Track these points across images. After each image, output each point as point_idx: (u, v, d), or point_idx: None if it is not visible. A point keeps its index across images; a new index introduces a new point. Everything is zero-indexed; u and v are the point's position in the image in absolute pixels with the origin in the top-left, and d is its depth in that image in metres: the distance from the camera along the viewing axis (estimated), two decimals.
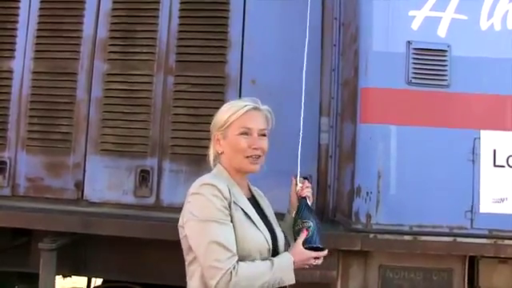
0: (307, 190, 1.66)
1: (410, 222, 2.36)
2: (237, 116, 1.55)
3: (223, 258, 1.41)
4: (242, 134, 1.55)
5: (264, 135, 1.58)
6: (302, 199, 1.64)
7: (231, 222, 1.47)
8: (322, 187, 2.78)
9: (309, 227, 1.57)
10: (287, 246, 1.64)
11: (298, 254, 1.53)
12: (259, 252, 1.48)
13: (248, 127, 1.56)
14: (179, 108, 2.87)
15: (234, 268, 1.41)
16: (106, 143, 2.91)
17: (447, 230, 2.35)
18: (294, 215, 1.65)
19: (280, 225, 1.69)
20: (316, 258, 1.55)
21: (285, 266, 1.50)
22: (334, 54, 2.80)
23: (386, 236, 2.35)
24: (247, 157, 1.56)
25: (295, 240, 1.59)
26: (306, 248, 1.54)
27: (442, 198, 2.36)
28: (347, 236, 2.39)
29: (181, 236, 1.55)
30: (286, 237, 1.65)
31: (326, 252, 1.57)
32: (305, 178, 1.76)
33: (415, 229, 2.36)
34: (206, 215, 1.45)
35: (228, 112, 1.57)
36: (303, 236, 1.56)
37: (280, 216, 1.80)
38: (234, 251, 1.42)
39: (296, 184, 1.69)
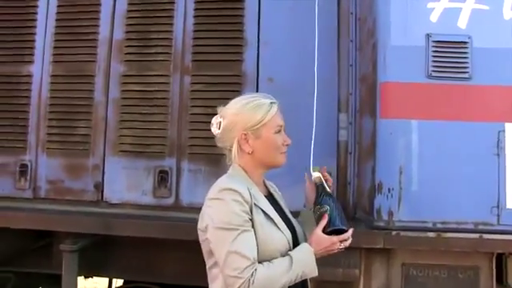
0: (324, 175, 1.64)
1: (433, 219, 2.34)
2: (271, 115, 1.54)
3: (242, 266, 1.40)
4: (277, 132, 1.56)
5: (284, 129, 1.61)
6: (318, 186, 1.62)
7: (252, 226, 1.45)
8: (341, 184, 2.77)
9: (325, 211, 1.53)
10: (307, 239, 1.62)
11: (316, 242, 1.50)
12: (280, 253, 1.48)
13: (281, 125, 1.58)
14: (196, 108, 2.89)
15: (252, 275, 1.40)
16: (124, 144, 2.94)
17: (472, 227, 2.32)
18: (313, 208, 1.63)
19: (298, 222, 1.69)
20: (341, 241, 1.50)
21: (304, 258, 1.48)
22: (351, 49, 2.79)
23: (409, 233, 2.32)
24: (281, 153, 1.57)
25: None
26: (328, 233, 1.49)
27: (466, 194, 2.32)
28: (369, 234, 2.37)
29: (201, 239, 1.54)
30: (304, 234, 1.64)
31: (349, 233, 1.52)
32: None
33: (439, 225, 2.33)
34: (226, 222, 1.43)
35: (259, 111, 1.55)
36: (322, 222, 1.52)
37: (296, 214, 1.79)
38: (255, 257, 1.42)
39: (316, 172, 1.65)
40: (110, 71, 2.97)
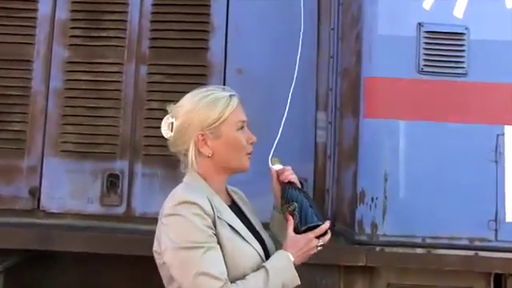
0: (288, 174, 1.55)
1: (422, 233, 2.29)
2: (231, 109, 1.47)
3: None
4: (240, 129, 1.48)
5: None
6: (284, 185, 1.53)
7: (218, 242, 1.38)
8: (318, 192, 2.70)
9: (293, 210, 1.47)
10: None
11: (291, 245, 1.44)
12: (252, 269, 1.41)
13: (244, 120, 1.49)
14: (153, 102, 2.76)
15: None
16: (67, 143, 2.79)
17: (467, 243, 2.27)
18: (281, 208, 1.54)
19: (269, 227, 1.65)
20: (318, 237, 1.44)
21: (282, 267, 1.42)
22: (333, 38, 2.72)
23: (395, 249, 2.28)
24: (247, 154, 1.51)
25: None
26: (302, 232, 1.43)
27: (460, 205, 2.27)
28: (349, 249, 2.33)
29: (158, 262, 1.46)
30: (275, 244, 1.54)
31: (326, 225, 1.45)
32: (300, 183, 1.60)
33: (429, 240, 2.29)
34: (187, 241, 1.36)
35: (217, 106, 1.47)
36: (290, 223, 1.45)
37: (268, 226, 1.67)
38: (225, 277, 1.35)
39: (274, 164, 1.57)
40: (51, 56, 2.82)
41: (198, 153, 1.48)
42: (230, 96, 1.48)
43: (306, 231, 1.43)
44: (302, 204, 1.48)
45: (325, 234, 1.45)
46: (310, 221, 1.45)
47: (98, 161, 2.75)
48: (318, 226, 1.44)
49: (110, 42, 2.80)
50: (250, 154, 1.51)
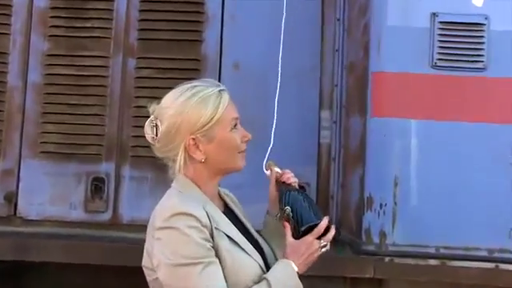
0: (288, 176, 1.55)
1: (436, 243, 2.25)
2: (223, 107, 1.42)
3: None
4: (233, 128, 1.45)
5: None
6: (282, 188, 1.54)
7: (216, 255, 1.36)
8: (322, 198, 2.68)
9: (289, 213, 1.45)
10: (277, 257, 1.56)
11: (292, 252, 1.42)
12: (253, 281, 1.39)
13: (236, 117, 1.46)
14: (142, 99, 2.68)
15: None
16: (48, 143, 2.74)
17: (486, 254, 2.23)
18: (278, 214, 1.53)
19: (262, 233, 1.62)
20: (319, 238, 1.42)
21: (284, 277, 1.41)
22: (338, 30, 2.69)
23: (406, 260, 2.25)
24: (240, 152, 1.47)
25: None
26: (301, 236, 1.42)
27: (478, 212, 2.23)
28: (356, 260, 2.31)
29: (149, 279, 1.44)
30: (272, 249, 1.56)
31: (324, 222, 1.41)
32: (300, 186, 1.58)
33: (443, 251, 2.24)
34: (184, 256, 1.33)
35: (208, 105, 1.42)
36: (288, 229, 1.43)
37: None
38: None
39: (269, 169, 1.58)
40: (28, 48, 2.76)
41: (189, 158, 1.45)
42: (220, 92, 1.44)
43: (305, 234, 1.41)
44: (297, 204, 1.46)
45: (326, 232, 1.41)
46: (306, 221, 1.42)
47: (82, 163, 2.72)
48: (318, 224, 1.42)
49: (95, 32, 2.75)
50: (244, 151, 1.48)
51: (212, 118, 1.42)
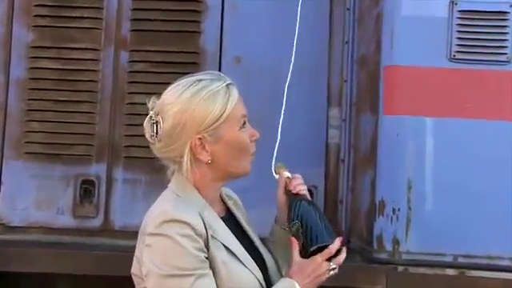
0: (297, 183, 1.54)
1: (453, 251, 2.24)
2: (232, 104, 1.40)
3: None
4: (242, 126, 1.43)
5: None
6: (291, 197, 1.52)
7: (210, 266, 1.35)
8: (330, 202, 2.68)
9: (298, 228, 1.44)
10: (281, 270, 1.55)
11: (297, 272, 1.40)
12: None
13: (245, 114, 1.44)
14: (136, 95, 2.68)
15: None
16: (33, 143, 2.72)
17: (509, 263, 2.21)
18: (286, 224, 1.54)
19: (268, 242, 1.62)
20: (329, 259, 1.40)
21: None
22: (348, 21, 2.69)
23: (421, 269, 2.24)
24: (251, 154, 1.46)
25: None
26: (310, 255, 1.40)
27: (500, 217, 2.21)
28: (367, 269, 2.31)
29: (138, 287, 1.43)
30: (276, 261, 1.54)
31: (336, 244, 1.40)
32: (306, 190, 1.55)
33: (462, 260, 2.23)
34: (175, 267, 1.32)
35: (216, 101, 1.40)
36: (295, 246, 1.42)
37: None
38: None
39: (279, 173, 1.56)
40: (11, 39, 2.74)
41: (194, 159, 1.43)
42: (228, 86, 1.41)
43: (314, 253, 1.40)
44: (308, 219, 1.45)
45: (337, 254, 1.40)
46: (316, 240, 1.41)
47: (70, 164, 2.70)
48: (325, 246, 1.40)
49: (83, 22, 2.73)
50: (253, 154, 1.46)
51: (221, 116, 1.39)
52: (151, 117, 1.44)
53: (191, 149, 1.42)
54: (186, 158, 1.42)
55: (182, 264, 1.32)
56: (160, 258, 1.33)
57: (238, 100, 1.43)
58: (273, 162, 1.59)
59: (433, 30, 2.28)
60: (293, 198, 1.51)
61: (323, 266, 1.39)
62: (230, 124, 1.42)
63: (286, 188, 1.54)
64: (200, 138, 1.41)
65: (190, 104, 1.39)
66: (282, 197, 1.56)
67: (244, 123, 1.45)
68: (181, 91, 1.43)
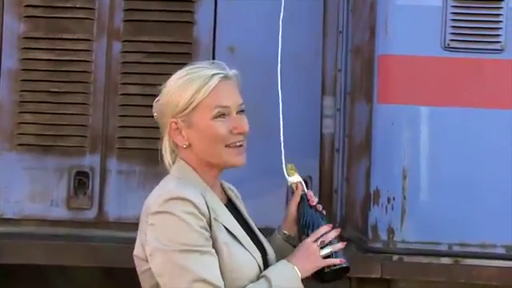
0: (309, 194, 1.56)
1: (449, 240, 2.26)
2: (205, 93, 1.42)
3: None
4: (217, 117, 1.43)
5: (242, 111, 1.49)
6: (301, 198, 1.53)
7: (213, 247, 1.37)
8: (325, 192, 2.68)
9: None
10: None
11: (292, 257, 1.45)
12: (250, 280, 1.41)
13: (224, 105, 1.44)
14: (129, 86, 2.71)
15: None
16: (26, 135, 2.71)
17: (503, 251, 2.22)
18: (299, 233, 1.54)
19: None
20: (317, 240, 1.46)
21: (286, 277, 1.43)
22: (342, 9, 2.68)
23: (416, 258, 2.26)
24: (229, 146, 1.45)
25: None
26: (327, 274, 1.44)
27: (494, 207, 2.22)
28: (362, 259, 2.29)
29: (140, 270, 1.45)
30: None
31: (325, 227, 1.47)
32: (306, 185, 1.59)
33: (456, 248, 2.25)
34: (180, 243, 1.35)
35: (189, 87, 1.44)
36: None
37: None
38: (223, 285, 1.37)
39: (292, 176, 1.55)
40: (2, 30, 2.73)
41: (174, 143, 1.48)
42: (213, 76, 1.43)
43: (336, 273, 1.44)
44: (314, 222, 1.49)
45: (325, 234, 1.44)
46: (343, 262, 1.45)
47: (63, 156, 2.69)
48: (347, 268, 1.45)
49: (76, 13, 2.71)
50: (234, 145, 1.46)
51: (191, 103, 1.42)
52: (157, 99, 1.51)
53: (169, 132, 1.47)
54: (164, 140, 1.48)
55: (187, 240, 1.34)
56: (165, 235, 1.35)
57: (215, 89, 1.43)
58: (283, 165, 1.59)
59: (427, 19, 2.29)
60: (305, 203, 1.52)
61: (313, 245, 1.44)
62: (202, 112, 1.44)
63: (293, 192, 1.55)
64: (175, 122, 1.45)
65: (171, 88, 1.45)
66: (294, 209, 1.57)
67: (221, 114, 1.45)
68: (175, 75, 1.48)
